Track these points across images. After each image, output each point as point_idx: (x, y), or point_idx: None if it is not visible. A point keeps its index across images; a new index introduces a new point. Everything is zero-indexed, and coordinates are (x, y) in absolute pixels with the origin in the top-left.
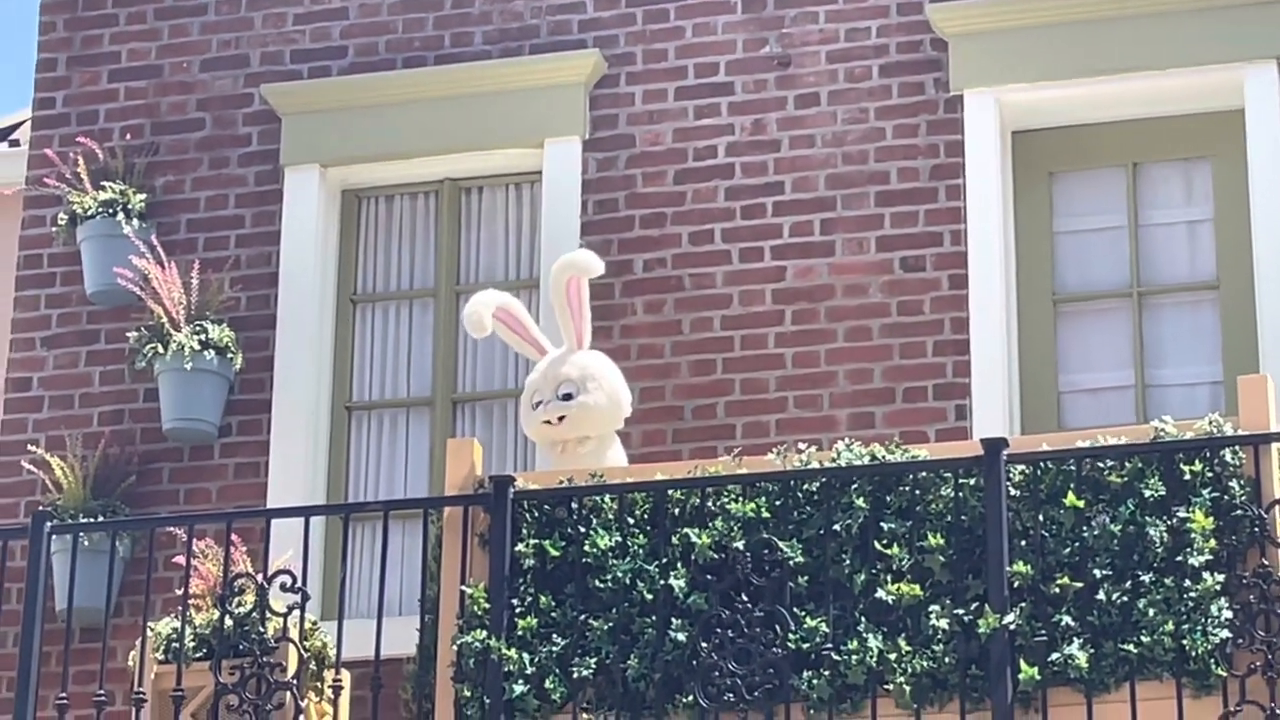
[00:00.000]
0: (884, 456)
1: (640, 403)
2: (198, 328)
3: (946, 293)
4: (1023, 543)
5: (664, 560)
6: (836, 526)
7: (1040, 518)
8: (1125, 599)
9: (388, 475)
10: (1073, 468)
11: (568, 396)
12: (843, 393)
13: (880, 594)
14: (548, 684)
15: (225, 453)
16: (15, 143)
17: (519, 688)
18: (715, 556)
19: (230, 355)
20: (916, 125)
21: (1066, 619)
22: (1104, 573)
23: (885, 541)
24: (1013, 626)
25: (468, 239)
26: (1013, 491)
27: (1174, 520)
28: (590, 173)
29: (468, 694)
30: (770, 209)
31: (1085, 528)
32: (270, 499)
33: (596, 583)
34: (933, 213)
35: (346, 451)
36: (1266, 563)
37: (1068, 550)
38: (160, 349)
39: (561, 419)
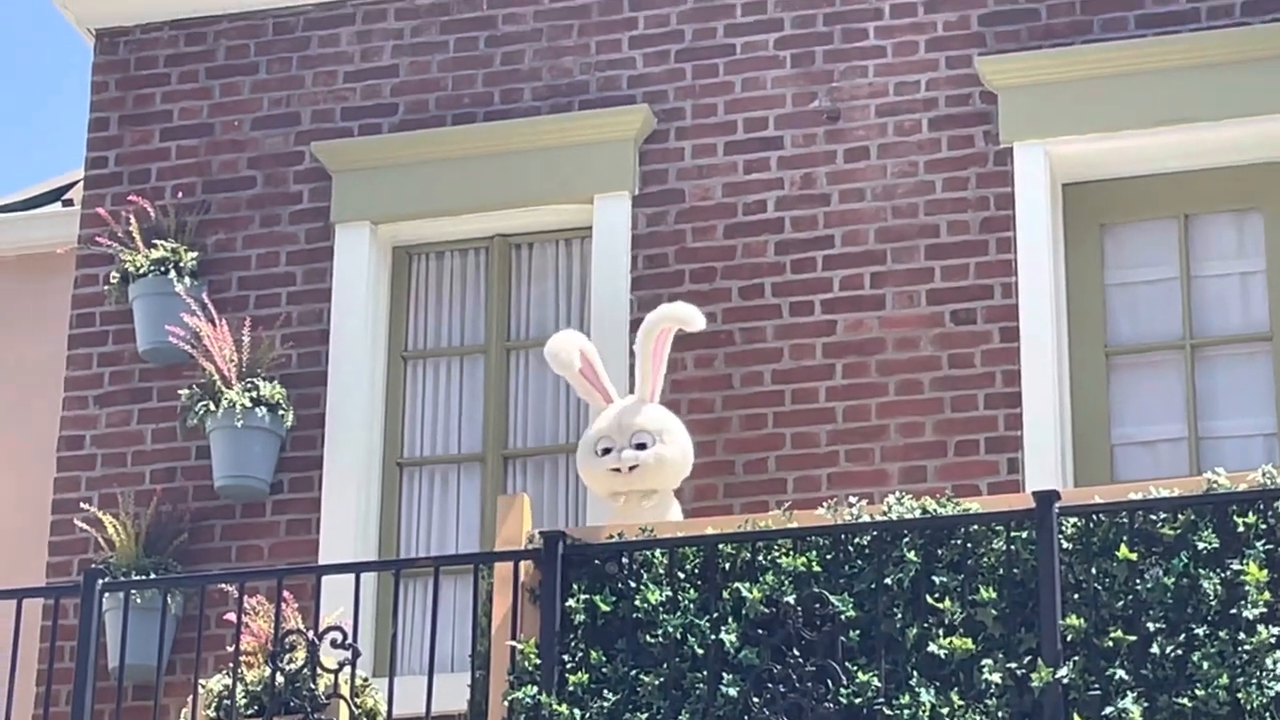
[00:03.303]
0: (935, 510)
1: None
2: (249, 385)
3: (998, 345)
4: (1075, 596)
5: (715, 615)
6: (888, 580)
7: (1093, 570)
8: (1179, 652)
9: (439, 531)
10: (1125, 520)
11: (641, 446)
12: (894, 446)
13: (932, 648)
14: None
15: (277, 509)
16: (69, 202)
17: None
18: (766, 611)
19: (282, 412)
20: (966, 178)
21: (1120, 673)
22: (1157, 626)
23: (937, 595)
24: (1066, 680)
25: (518, 295)
26: (1065, 544)
27: (1228, 573)
28: (640, 228)
29: None
30: (820, 263)
31: (1138, 580)
32: (322, 555)
33: (647, 638)
34: (983, 265)
35: (398, 507)
36: None
37: (1121, 603)
38: (212, 406)
39: (633, 468)
